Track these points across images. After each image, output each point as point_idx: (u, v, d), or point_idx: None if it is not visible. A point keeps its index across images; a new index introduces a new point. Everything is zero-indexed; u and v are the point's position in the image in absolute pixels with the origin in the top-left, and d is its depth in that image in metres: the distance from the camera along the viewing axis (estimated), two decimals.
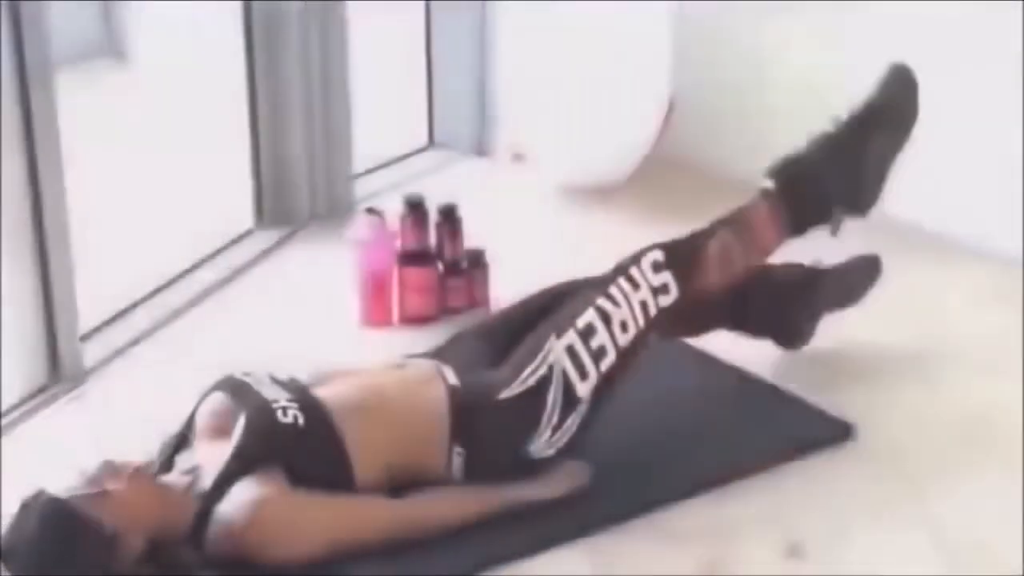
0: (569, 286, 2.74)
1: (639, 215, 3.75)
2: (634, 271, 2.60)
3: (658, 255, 2.62)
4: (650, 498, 2.58)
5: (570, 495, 2.56)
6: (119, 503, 2.26)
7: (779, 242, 2.76)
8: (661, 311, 2.60)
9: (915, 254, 3.41)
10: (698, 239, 2.67)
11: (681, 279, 2.61)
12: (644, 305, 2.59)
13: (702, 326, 2.92)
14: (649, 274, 2.60)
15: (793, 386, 2.91)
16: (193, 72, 4.82)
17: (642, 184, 3.95)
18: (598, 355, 2.55)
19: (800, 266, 2.93)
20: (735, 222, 2.71)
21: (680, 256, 2.63)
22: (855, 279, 3.00)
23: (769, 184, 2.77)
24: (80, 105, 3.57)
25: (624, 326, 2.57)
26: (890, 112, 2.82)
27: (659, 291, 2.60)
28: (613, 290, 2.58)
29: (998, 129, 3.49)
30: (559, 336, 2.55)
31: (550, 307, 2.69)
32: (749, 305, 2.88)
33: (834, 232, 2.76)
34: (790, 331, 2.96)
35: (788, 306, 2.93)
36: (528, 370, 2.54)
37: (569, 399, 2.54)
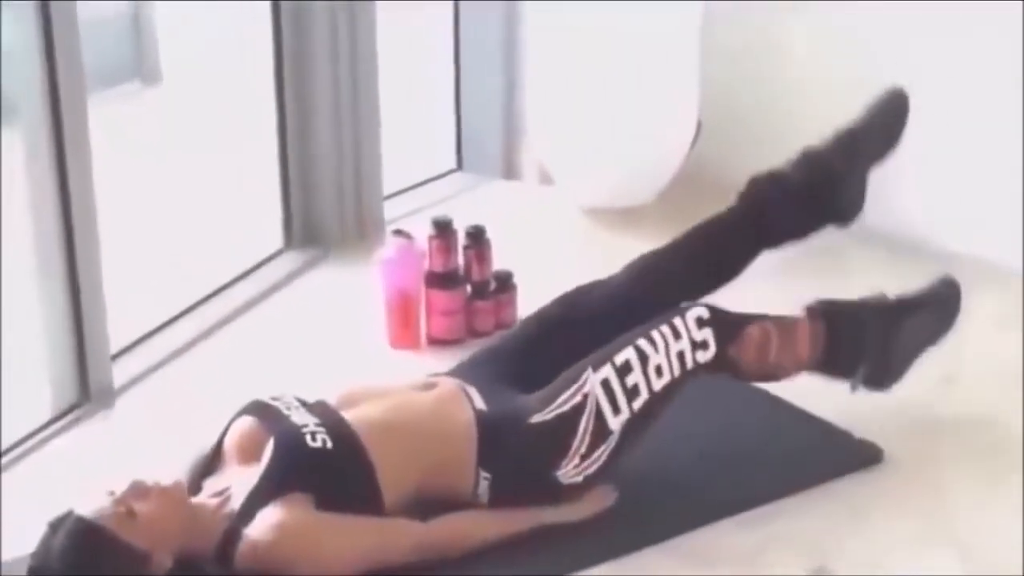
0: (579, 293, 2.77)
1: (667, 236, 3.71)
2: (678, 321, 2.61)
3: (704, 312, 2.63)
4: (678, 521, 2.58)
5: (596, 518, 2.56)
6: (147, 523, 2.27)
7: (808, 362, 2.73)
8: (697, 365, 2.61)
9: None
10: (743, 316, 2.68)
11: (720, 341, 2.62)
12: (681, 356, 2.60)
13: (746, 251, 2.85)
14: (692, 327, 2.61)
15: (821, 410, 2.90)
16: (222, 93, 4.85)
17: (670, 205, 3.95)
18: (632, 393, 2.56)
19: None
20: (779, 321, 2.71)
21: (724, 321, 2.64)
22: (888, 120, 2.91)
23: (815, 307, 2.76)
24: (110, 126, 3.60)
25: (659, 371, 2.58)
26: (931, 298, 2.82)
27: (698, 346, 2.61)
28: (655, 334, 2.60)
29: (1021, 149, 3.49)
30: (596, 369, 2.56)
31: (565, 315, 2.72)
32: (797, 197, 2.81)
33: (853, 388, 2.77)
34: (844, 203, 2.84)
35: (835, 175, 2.82)
36: (562, 398, 2.55)
37: (600, 430, 2.54)
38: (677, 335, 2.60)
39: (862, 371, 2.75)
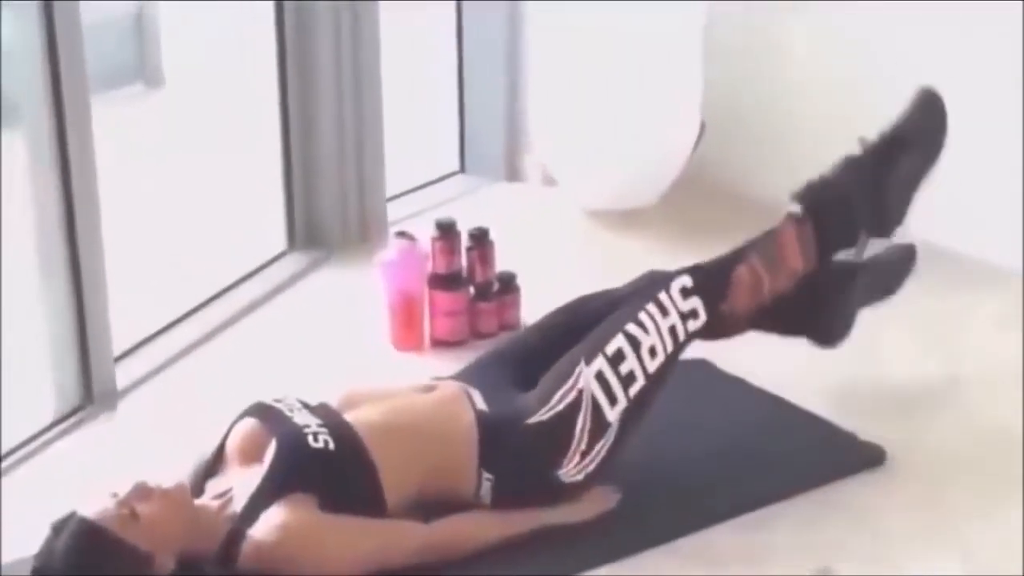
0: (582, 302, 2.77)
1: (670, 238, 3.75)
2: (663, 297, 2.60)
3: (687, 280, 2.62)
4: (681, 523, 2.58)
5: (599, 519, 2.56)
6: (150, 524, 2.27)
7: (806, 266, 2.75)
8: (689, 335, 2.60)
9: (942, 276, 3.39)
10: (726, 264, 2.67)
11: (710, 304, 2.61)
12: (673, 330, 2.59)
13: (733, 331, 2.85)
14: (678, 300, 2.60)
15: (825, 411, 2.90)
16: (225, 95, 4.85)
17: (673, 207, 3.95)
18: (627, 381, 2.55)
19: (834, 261, 2.88)
20: (763, 246, 2.71)
21: (709, 281, 2.63)
22: (892, 270, 2.94)
23: (796, 208, 2.76)
24: (113, 128, 3.60)
25: (653, 351, 2.57)
26: (917, 136, 2.81)
27: (688, 316, 2.60)
28: (642, 316, 2.58)
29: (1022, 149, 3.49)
30: (588, 362, 2.56)
31: (568, 324, 2.71)
32: (783, 304, 2.81)
33: (859, 255, 2.75)
34: (828, 328, 2.87)
35: (825, 303, 2.85)
36: (557, 396, 2.54)
37: (598, 424, 2.54)
38: (664, 311, 2.58)
39: (862, 237, 2.73)
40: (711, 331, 2.64)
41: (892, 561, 2.50)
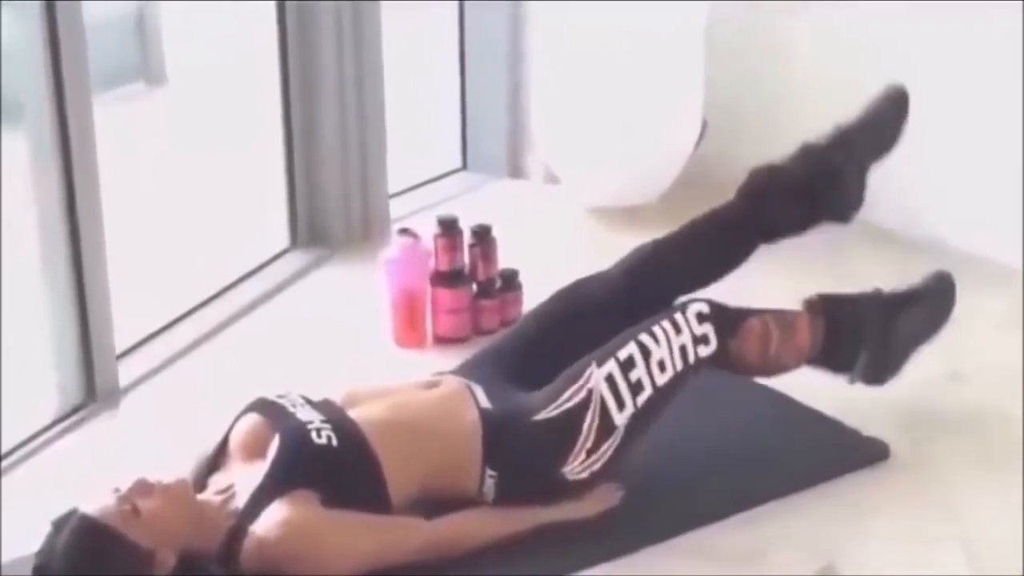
0: (575, 289, 2.80)
1: None
2: (679, 317, 2.62)
3: (704, 307, 2.64)
4: (684, 519, 2.58)
5: (601, 516, 2.56)
6: (151, 520, 2.27)
7: (809, 355, 2.74)
8: (699, 359, 2.61)
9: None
10: (742, 311, 2.68)
11: (721, 335, 2.63)
12: (684, 350, 2.60)
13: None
14: (693, 323, 2.62)
15: (828, 407, 2.90)
16: (227, 94, 4.86)
17: (674, 205, 3.94)
18: (636, 388, 2.56)
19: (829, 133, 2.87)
20: (779, 315, 2.72)
21: (724, 317, 2.65)
22: (888, 117, 2.91)
23: (814, 301, 2.77)
24: (115, 127, 3.60)
25: (662, 365, 2.58)
26: (931, 295, 2.84)
27: (699, 341, 2.61)
28: (656, 329, 2.60)
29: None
30: (600, 365, 2.56)
31: (564, 311, 2.75)
32: (796, 192, 2.81)
33: (851, 381, 2.77)
34: (842, 200, 2.85)
35: (834, 171, 2.83)
36: (566, 394, 2.55)
37: (605, 425, 2.54)
38: (678, 330, 2.60)
39: (861, 364, 2.76)
40: (719, 363, 2.65)
41: (894, 559, 2.50)
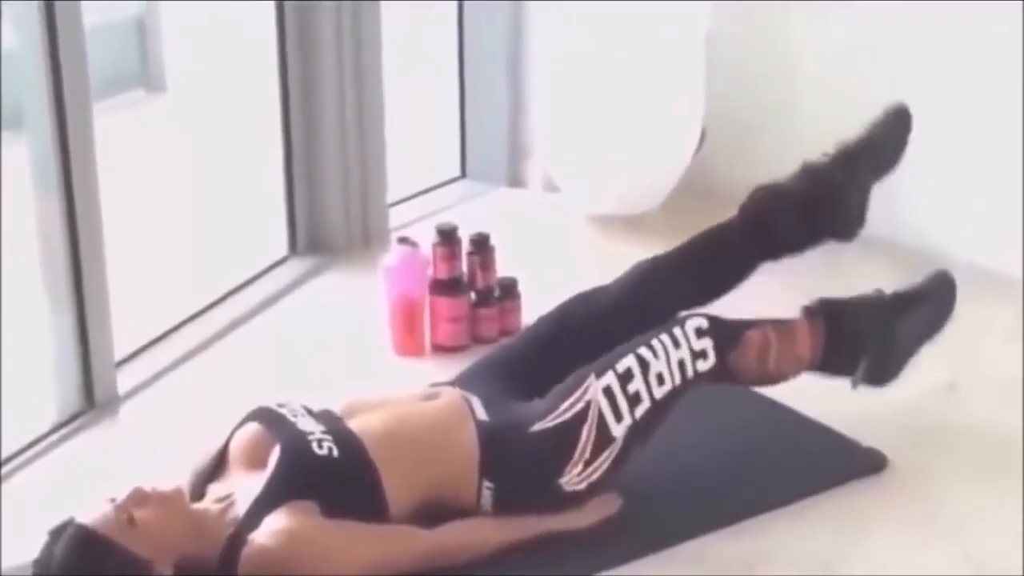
0: (576, 302, 2.80)
1: (671, 244, 3.72)
2: (677, 331, 2.62)
3: (702, 322, 2.64)
4: (682, 528, 2.58)
5: (600, 525, 2.56)
6: (148, 530, 2.26)
7: (809, 363, 2.73)
8: (697, 374, 2.61)
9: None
10: (742, 323, 2.68)
11: (720, 349, 2.63)
12: (682, 364, 2.60)
13: (746, 262, 2.86)
14: (692, 337, 2.62)
15: (826, 417, 2.90)
16: (227, 101, 4.86)
17: (674, 213, 3.95)
18: (634, 401, 2.56)
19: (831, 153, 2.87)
20: (778, 324, 2.71)
21: (723, 331, 2.65)
22: (890, 136, 2.91)
23: (814, 307, 2.76)
24: (115, 133, 3.61)
25: (660, 378, 2.58)
26: (930, 294, 2.84)
27: (698, 356, 2.61)
28: (655, 343, 2.60)
29: None
30: (598, 377, 2.56)
31: (565, 325, 2.76)
32: (799, 211, 2.81)
33: (854, 386, 2.77)
34: (845, 218, 2.85)
35: (837, 190, 2.83)
36: (564, 406, 2.55)
37: (603, 437, 2.54)
38: (677, 344, 2.60)
39: (862, 368, 2.75)
40: (717, 377, 2.65)
41: (893, 568, 2.50)
